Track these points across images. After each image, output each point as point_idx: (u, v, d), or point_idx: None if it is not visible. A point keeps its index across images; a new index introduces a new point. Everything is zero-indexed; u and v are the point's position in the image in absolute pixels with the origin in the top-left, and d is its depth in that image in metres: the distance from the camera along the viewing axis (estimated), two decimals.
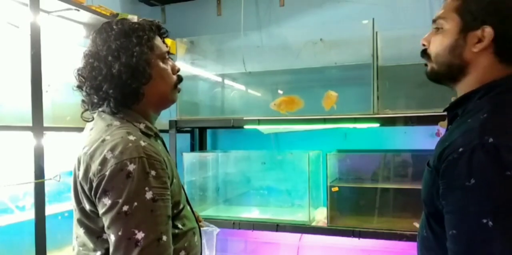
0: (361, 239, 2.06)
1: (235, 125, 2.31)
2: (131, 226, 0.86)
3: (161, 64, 1.06)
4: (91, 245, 0.98)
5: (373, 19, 2.07)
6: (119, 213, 0.87)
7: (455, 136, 0.81)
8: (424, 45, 0.97)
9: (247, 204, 2.58)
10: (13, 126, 1.54)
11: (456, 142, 0.78)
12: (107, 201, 0.88)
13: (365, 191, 2.28)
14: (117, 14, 2.17)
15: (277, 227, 2.23)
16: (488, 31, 0.82)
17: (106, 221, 0.90)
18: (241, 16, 2.65)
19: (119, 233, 0.87)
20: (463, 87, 0.90)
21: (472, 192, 0.72)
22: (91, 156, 0.93)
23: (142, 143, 0.93)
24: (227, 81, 2.69)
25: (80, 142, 1.03)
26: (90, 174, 0.92)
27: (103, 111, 1.03)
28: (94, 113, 1.05)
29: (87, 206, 0.96)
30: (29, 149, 1.57)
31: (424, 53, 0.97)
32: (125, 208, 0.86)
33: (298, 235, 2.53)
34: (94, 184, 0.90)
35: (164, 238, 0.89)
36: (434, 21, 0.94)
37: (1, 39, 1.62)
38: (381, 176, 2.30)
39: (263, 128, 2.37)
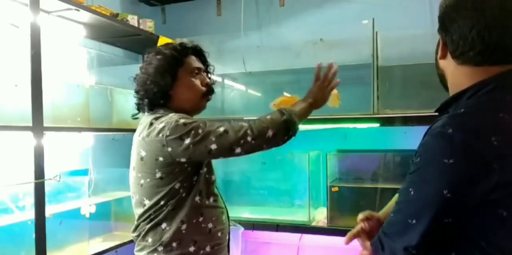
0: None
1: None
2: (212, 132, 1.15)
3: (187, 76, 1.33)
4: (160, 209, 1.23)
5: (373, 19, 2.07)
6: (203, 135, 1.14)
7: None
8: None
9: (247, 204, 2.58)
10: (13, 126, 1.54)
11: (428, 129, 0.87)
12: (188, 141, 1.14)
13: (365, 191, 2.28)
14: (117, 14, 2.17)
15: (277, 227, 2.24)
16: (441, 40, 0.93)
17: (200, 149, 1.15)
18: (241, 16, 2.65)
19: (213, 140, 1.14)
20: (451, 92, 0.97)
21: (414, 167, 0.85)
22: (148, 135, 1.20)
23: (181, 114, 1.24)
24: (227, 81, 2.69)
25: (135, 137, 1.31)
26: (159, 145, 1.17)
27: (148, 112, 1.32)
28: (143, 114, 1.36)
29: (158, 175, 1.21)
30: (29, 149, 1.57)
31: None
32: (200, 131, 1.15)
33: (298, 235, 2.53)
34: (168, 147, 1.16)
35: (229, 123, 1.19)
36: None
37: (1, 39, 1.62)
38: (381, 176, 2.30)
39: None
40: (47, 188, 1.63)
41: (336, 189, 2.20)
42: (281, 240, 2.58)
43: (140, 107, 1.37)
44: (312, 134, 2.52)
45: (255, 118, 1.37)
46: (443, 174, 0.79)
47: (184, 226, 1.23)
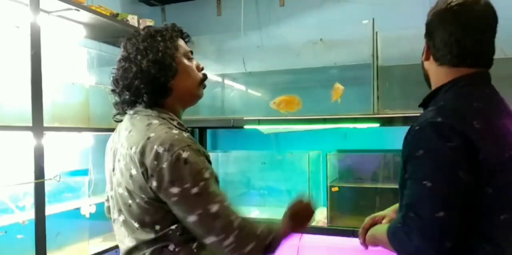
0: None
1: (235, 125, 2.30)
2: (204, 204, 0.98)
3: (186, 61, 1.15)
4: (145, 237, 1.05)
5: (373, 19, 2.07)
6: (194, 195, 0.97)
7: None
8: None
9: (247, 204, 2.58)
10: (13, 126, 1.54)
11: (415, 123, 0.99)
12: (176, 190, 0.97)
13: (365, 191, 2.28)
14: (117, 14, 2.17)
15: None
16: (425, 44, 1.11)
17: (181, 208, 0.99)
18: (241, 16, 2.65)
19: (199, 213, 0.98)
20: (433, 88, 1.14)
21: (419, 160, 0.94)
22: (142, 154, 1.00)
23: (185, 134, 1.04)
24: (227, 81, 2.69)
25: (113, 143, 1.16)
26: (149, 171, 0.99)
27: (136, 113, 1.11)
28: (125, 114, 1.15)
29: (145, 199, 1.02)
30: (29, 149, 1.57)
31: None
32: (194, 190, 0.97)
33: (298, 235, 2.52)
34: (155, 179, 0.98)
35: (227, 203, 1.02)
36: None
37: (1, 39, 1.62)
38: (381, 176, 2.30)
39: (263, 128, 2.37)
40: (47, 188, 1.63)
41: (336, 189, 2.20)
42: None
43: (125, 105, 1.13)
44: (312, 134, 2.52)
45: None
46: (452, 156, 0.90)
47: (194, 245, 1.05)
